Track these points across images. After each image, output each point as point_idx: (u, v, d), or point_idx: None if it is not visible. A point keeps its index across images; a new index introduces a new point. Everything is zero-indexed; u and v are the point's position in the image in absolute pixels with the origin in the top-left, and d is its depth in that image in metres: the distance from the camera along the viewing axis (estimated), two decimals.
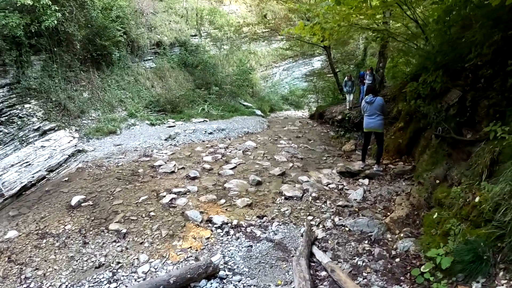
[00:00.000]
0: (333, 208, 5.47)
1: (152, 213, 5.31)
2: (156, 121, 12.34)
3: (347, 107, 12.23)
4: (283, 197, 5.92)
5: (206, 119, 13.69)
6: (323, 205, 5.59)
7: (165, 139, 9.99)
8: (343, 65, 17.87)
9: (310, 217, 5.17)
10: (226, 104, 16.64)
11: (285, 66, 26.44)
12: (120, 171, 7.38)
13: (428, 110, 6.23)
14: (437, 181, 5.27)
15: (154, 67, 15.44)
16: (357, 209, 5.42)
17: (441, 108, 5.94)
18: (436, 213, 4.39)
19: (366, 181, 6.59)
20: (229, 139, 10.89)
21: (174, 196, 5.92)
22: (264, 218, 5.17)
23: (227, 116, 14.83)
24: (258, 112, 17.44)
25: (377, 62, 13.34)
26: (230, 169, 7.60)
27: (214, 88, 16.72)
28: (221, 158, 8.50)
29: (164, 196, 5.91)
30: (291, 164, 8.22)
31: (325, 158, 9.00)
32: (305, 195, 5.98)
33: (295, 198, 5.82)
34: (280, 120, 16.69)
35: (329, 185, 6.56)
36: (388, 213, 5.30)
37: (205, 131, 11.20)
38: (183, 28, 18.15)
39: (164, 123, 12.42)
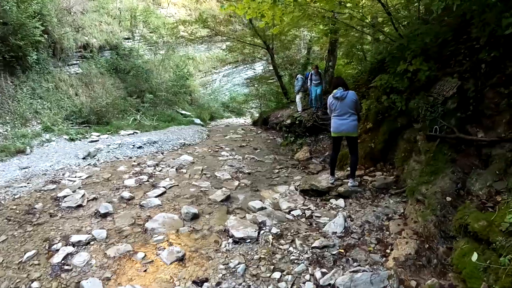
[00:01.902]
0: (307, 253, 3.57)
1: (35, 285, 3.19)
2: (76, 135, 10.32)
3: (298, 109, 10.70)
4: (230, 240, 3.89)
5: (137, 131, 12.16)
6: (291, 249, 3.68)
7: (83, 158, 8.08)
8: (284, 70, 16.84)
9: (276, 274, 3.21)
10: (161, 113, 15.16)
11: (225, 72, 25.16)
12: (15, 206, 5.12)
13: (416, 106, 4.73)
14: (448, 199, 3.69)
15: (80, 72, 13.49)
16: (343, 250, 3.60)
17: (436, 102, 4.46)
18: (476, 254, 2.74)
19: (340, 201, 4.86)
20: (162, 153, 9.16)
21: (71, 249, 3.82)
22: (205, 286, 3.08)
23: (161, 127, 13.41)
24: (197, 120, 16.13)
25: (326, 61, 12.18)
26: (156, 196, 5.45)
27: (148, 96, 14.99)
28: (148, 181, 6.35)
29: (58, 250, 3.79)
30: (236, 183, 6.29)
31: (277, 170, 7.33)
32: (262, 232, 4.01)
33: (248, 240, 3.82)
34: (221, 129, 15.24)
35: (292, 212, 4.71)
36: (388, 251, 3.57)
37: (133, 145, 9.48)
38: (115, 30, 16.35)
39: (86, 138, 10.43)
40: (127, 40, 17.13)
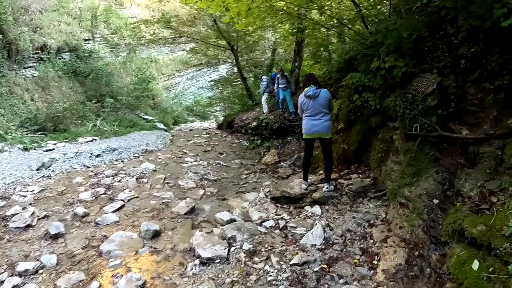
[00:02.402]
0: (286, 272, 3.09)
1: None
2: (31, 144, 9.25)
3: (264, 111, 10.30)
4: (197, 261, 3.31)
5: (96, 138, 11.24)
6: (267, 267, 3.17)
7: (37, 169, 7.11)
8: (249, 72, 16.55)
9: None
10: (122, 119, 14.25)
11: (189, 75, 24.57)
12: None
13: (393, 104, 4.45)
14: (435, 201, 3.40)
15: (36, 76, 12.44)
16: (325, 266, 3.16)
17: (415, 99, 4.19)
18: (477, 262, 2.44)
19: (316, 209, 4.43)
20: (122, 161, 8.33)
21: (17, 280, 3.12)
22: None
23: (122, 133, 12.52)
24: (160, 125, 15.30)
25: (292, 62, 11.93)
26: (114, 211, 4.79)
27: (109, 100, 14.17)
28: (105, 193, 5.66)
29: (3, 282, 3.14)
30: (202, 192, 5.73)
31: (244, 176, 6.88)
32: (232, 249, 3.48)
33: (217, 261, 3.26)
34: (185, 133, 14.51)
35: (264, 223, 4.21)
36: (375, 262, 3.19)
37: (91, 154, 8.58)
38: (75, 30, 15.22)
39: (42, 146, 9.39)
40: (87, 42, 16.14)
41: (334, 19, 7.08)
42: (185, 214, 4.58)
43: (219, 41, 15.28)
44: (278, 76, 9.82)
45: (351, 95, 5.44)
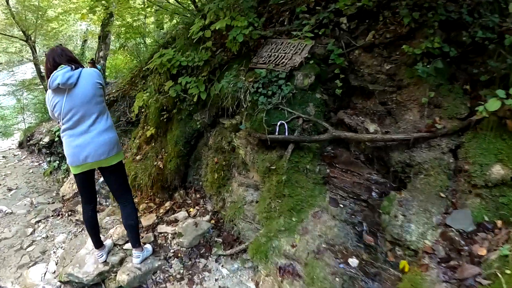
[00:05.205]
0: None
1: None
2: None
3: None
4: None
5: None
6: None
7: None
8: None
9: None
10: None
11: None
12: None
13: (231, 88, 2.56)
14: (351, 262, 1.68)
15: None
16: None
17: (273, 79, 2.40)
18: None
19: None
20: None
21: None
22: None
23: None
24: None
25: (96, 52, 9.30)
26: None
27: None
28: None
29: None
30: None
31: (31, 229, 4.13)
32: None
33: None
34: None
35: None
36: None
37: None
38: None
39: None
40: None
41: None
42: None
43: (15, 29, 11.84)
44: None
45: (162, 83, 3.41)
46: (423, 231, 1.75)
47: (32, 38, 11.22)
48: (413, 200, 1.87)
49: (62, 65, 2.04)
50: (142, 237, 2.70)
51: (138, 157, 3.71)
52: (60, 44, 2.30)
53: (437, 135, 1.93)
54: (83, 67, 2.12)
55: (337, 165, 2.18)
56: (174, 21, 5.38)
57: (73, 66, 2.04)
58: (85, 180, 2.22)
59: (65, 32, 13.61)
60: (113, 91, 6.85)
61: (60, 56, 2.09)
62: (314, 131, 2.21)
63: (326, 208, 2.07)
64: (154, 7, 5.24)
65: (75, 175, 2.21)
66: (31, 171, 7.42)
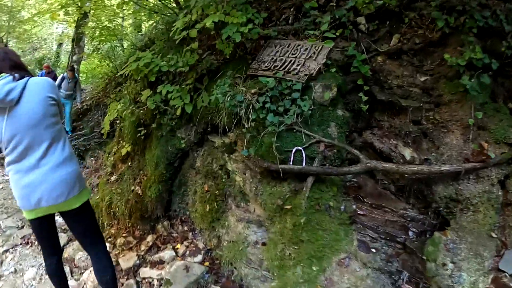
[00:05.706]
0: None
1: None
2: None
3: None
4: None
5: None
6: None
7: None
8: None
9: None
10: None
11: None
12: None
13: (223, 101, 2.01)
14: None
15: None
16: None
17: (284, 90, 1.93)
18: None
19: None
20: None
21: None
22: None
23: None
24: None
25: (69, 55, 8.31)
26: None
27: None
28: None
29: None
30: None
31: None
32: None
33: None
34: None
35: None
36: None
37: None
38: None
39: None
40: None
41: None
42: None
43: None
44: (65, 75, 5.96)
45: (138, 92, 2.85)
46: (475, 279, 1.41)
47: (4, 41, 10.24)
48: (461, 242, 1.52)
49: (3, 74, 1.42)
50: (122, 284, 2.13)
51: (113, 178, 3.11)
52: (6, 45, 1.68)
53: (489, 165, 1.59)
54: (32, 76, 1.50)
55: (364, 199, 1.77)
56: (152, 20, 4.78)
57: (16, 75, 1.42)
58: (43, 227, 1.62)
59: (40, 35, 12.97)
60: (87, 98, 6.17)
61: (2, 61, 1.46)
62: (338, 158, 1.78)
63: (354, 253, 1.67)
64: (131, 5, 4.54)
65: (29, 220, 1.59)
66: (1, 186, 6.20)
